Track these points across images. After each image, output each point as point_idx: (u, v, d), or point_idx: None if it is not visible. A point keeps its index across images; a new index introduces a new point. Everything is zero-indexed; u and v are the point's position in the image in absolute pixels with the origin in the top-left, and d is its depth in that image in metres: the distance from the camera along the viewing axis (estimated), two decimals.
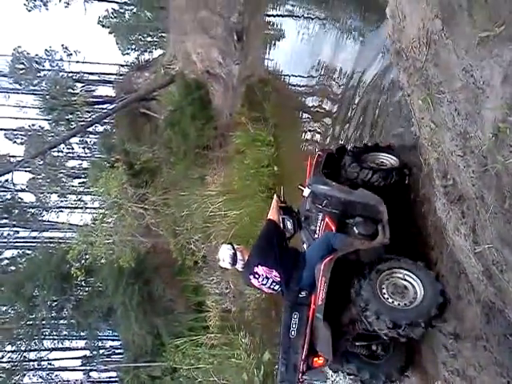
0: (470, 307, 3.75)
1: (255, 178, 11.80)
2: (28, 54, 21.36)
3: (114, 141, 19.81)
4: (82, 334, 21.70)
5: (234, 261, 4.63)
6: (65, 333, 22.09)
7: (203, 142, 14.68)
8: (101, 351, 23.82)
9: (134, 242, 14.84)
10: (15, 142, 22.62)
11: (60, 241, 20.42)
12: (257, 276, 4.53)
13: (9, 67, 20.88)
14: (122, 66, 24.04)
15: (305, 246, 4.97)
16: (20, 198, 22.68)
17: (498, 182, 2.76)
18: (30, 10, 23.08)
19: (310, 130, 10.39)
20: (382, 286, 3.99)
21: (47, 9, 23.50)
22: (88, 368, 23.95)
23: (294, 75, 12.40)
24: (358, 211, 4.50)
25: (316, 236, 4.77)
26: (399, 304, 3.92)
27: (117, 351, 24.29)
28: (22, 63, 21.03)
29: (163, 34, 24.59)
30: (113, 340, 24.20)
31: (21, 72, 20.92)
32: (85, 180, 20.53)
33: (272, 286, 4.53)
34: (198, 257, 14.88)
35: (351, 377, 4.78)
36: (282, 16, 13.89)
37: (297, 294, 4.42)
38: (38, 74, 21.50)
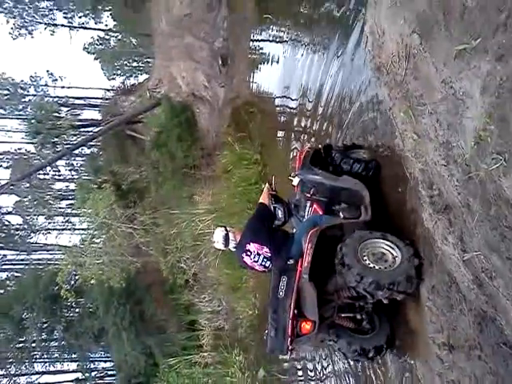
0: (463, 317, 3.73)
1: (243, 195, 11.84)
2: (13, 80, 21.40)
3: (101, 163, 19.77)
4: (73, 355, 21.35)
5: (227, 241, 4.95)
6: (56, 355, 21.72)
7: (190, 162, 14.77)
8: (93, 373, 23.42)
9: (123, 261, 14.73)
10: (1, 165, 22.46)
11: (48, 262, 20.21)
12: (249, 253, 4.80)
13: None
14: (108, 90, 24.16)
15: (294, 230, 5.22)
16: (7, 220, 22.48)
17: (482, 190, 2.79)
18: (15, 39, 23.26)
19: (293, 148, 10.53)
20: (364, 253, 4.25)
21: (32, 37, 23.73)
22: None
23: (278, 96, 12.51)
24: (343, 197, 4.82)
25: (304, 220, 5.10)
26: (380, 268, 4.17)
27: (109, 373, 23.84)
28: (7, 89, 21.01)
29: (148, 60, 24.83)
30: (105, 361, 23.84)
31: (5, 98, 20.88)
32: (72, 201, 20.39)
33: (263, 263, 4.79)
34: (189, 275, 14.82)
35: (339, 352, 4.96)
36: (267, 41, 14.09)
37: (285, 261, 4.68)
38: (23, 100, 21.52)
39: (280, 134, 12.19)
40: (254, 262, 4.81)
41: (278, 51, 12.73)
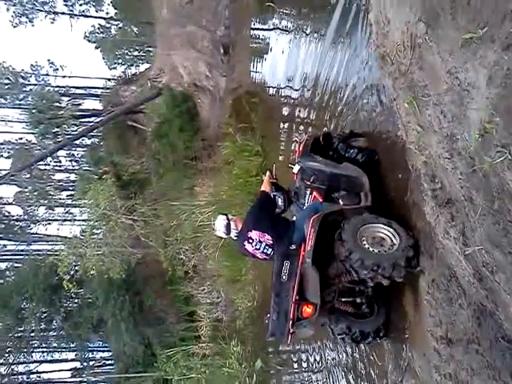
0: (462, 311, 3.73)
1: (244, 187, 11.83)
2: (13, 69, 21.27)
3: (102, 153, 19.74)
4: (71, 345, 21.46)
5: (228, 230, 4.99)
6: (54, 345, 21.87)
7: (191, 153, 14.76)
8: (91, 362, 23.67)
9: (124, 253, 14.75)
10: (1, 155, 22.46)
11: (48, 253, 20.24)
12: (250, 241, 4.83)
13: None
14: (109, 79, 24.08)
15: (294, 218, 5.28)
16: (7, 211, 22.51)
17: (486, 183, 2.75)
18: (15, 26, 23.16)
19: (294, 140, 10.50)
20: (364, 234, 4.33)
21: (33, 25, 23.62)
22: (78, 380, 23.75)
23: (280, 87, 12.40)
24: (342, 185, 4.88)
25: (305, 208, 5.16)
26: (373, 250, 4.25)
27: (107, 362, 24.05)
28: (8, 78, 20.91)
29: (150, 49, 24.74)
30: (103, 351, 24.00)
31: (6, 87, 20.79)
32: (73, 192, 20.40)
33: (265, 250, 4.81)
34: (189, 267, 14.86)
35: (340, 336, 5.01)
36: (269, 30, 13.99)
37: (287, 247, 4.71)
38: (24, 89, 21.43)
39: (281, 124, 12.13)
40: (256, 249, 4.83)
41: (278, 39, 12.67)
